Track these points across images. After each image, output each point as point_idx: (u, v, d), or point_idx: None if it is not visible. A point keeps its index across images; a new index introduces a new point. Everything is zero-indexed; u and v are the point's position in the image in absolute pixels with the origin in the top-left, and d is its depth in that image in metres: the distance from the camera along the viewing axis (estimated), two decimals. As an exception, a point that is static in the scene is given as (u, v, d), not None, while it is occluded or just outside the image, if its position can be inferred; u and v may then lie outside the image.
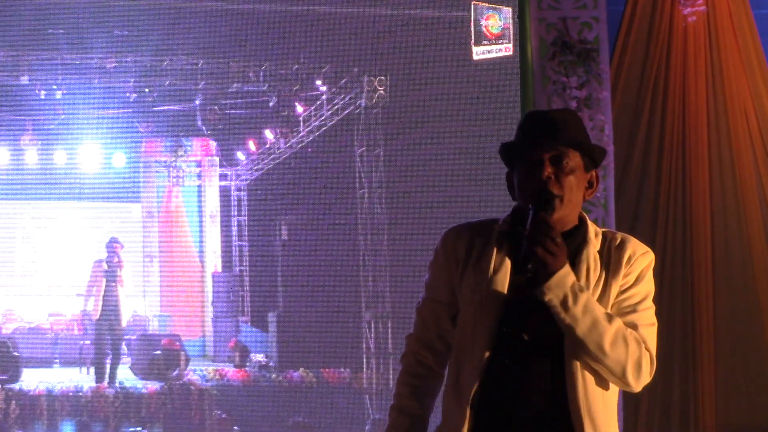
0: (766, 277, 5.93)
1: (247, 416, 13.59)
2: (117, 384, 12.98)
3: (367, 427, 13.29)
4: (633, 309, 2.76)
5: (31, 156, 16.01)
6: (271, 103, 15.63)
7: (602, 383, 2.75)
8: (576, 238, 2.81)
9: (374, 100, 14.61)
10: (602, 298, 2.75)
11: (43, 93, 14.66)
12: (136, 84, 14.80)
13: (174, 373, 13.22)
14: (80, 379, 13.36)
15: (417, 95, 14.20)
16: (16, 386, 12.76)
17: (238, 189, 19.17)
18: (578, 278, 2.73)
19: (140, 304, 17.01)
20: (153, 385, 13.09)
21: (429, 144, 14.37)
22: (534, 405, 2.73)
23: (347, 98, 15.10)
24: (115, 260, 12.68)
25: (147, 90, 14.97)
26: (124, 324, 12.93)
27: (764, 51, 5.99)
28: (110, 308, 12.63)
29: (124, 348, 14.12)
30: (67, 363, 14.83)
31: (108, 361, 13.11)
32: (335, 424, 13.72)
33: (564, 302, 2.65)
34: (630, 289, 2.78)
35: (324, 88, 15.28)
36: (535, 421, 2.73)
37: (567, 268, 2.67)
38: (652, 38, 5.89)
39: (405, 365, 2.97)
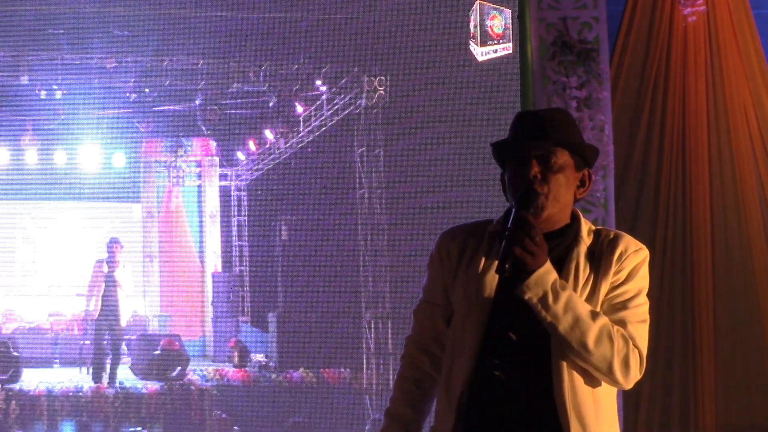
0: (766, 277, 5.93)
1: (247, 416, 13.59)
2: (117, 384, 12.99)
3: (367, 427, 13.29)
4: (624, 306, 2.76)
5: (31, 156, 16.02)
6: (271, 103, 15.63)
7: (592, 382, 2.74)
8: (567, 237, 2.81)
9: (374, 100, 14.61)
10: (591, 296, 2.75)
11: (43, 93, 14.66)
12: (136, 84, 14.81)
13: (174, 373, 13.23)
14: (80, 379, 13.36)
15: (417, 95, 14.20)
16: (16, 386, 12.76)
17: (238, 189, 19.17)
18: (566, 277, 2.74)
19: (140, 304, 17.01)
20: (153, 385, 13.09)
21: (429, 144, 14.37)
22: (522, 404, 2.74)
23: (347, 98, 15.09)
24: (114, 261, 12.70)
25: (147, 90, 14.97)
26: (123, 324, 12.93)
27: (764, 51, 5.99)
28: (109, 309, 12.65)
29: (124, 348, 14.13)
30: (67, 363, 14.84)
31: (108, 361, 13.12)
32: (335, 424, 13.72)
33: (544, 300, 2.66)
34: (621, 286, 2.77)
35: (324, 88, 15.28)
36: (524, 421, 2.74)
37: (547, 266, 2.67)
38: (652, 38, 5.89)
39: (401, 368, 3.00)
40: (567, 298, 2.67)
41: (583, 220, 2.86)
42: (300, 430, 13.05)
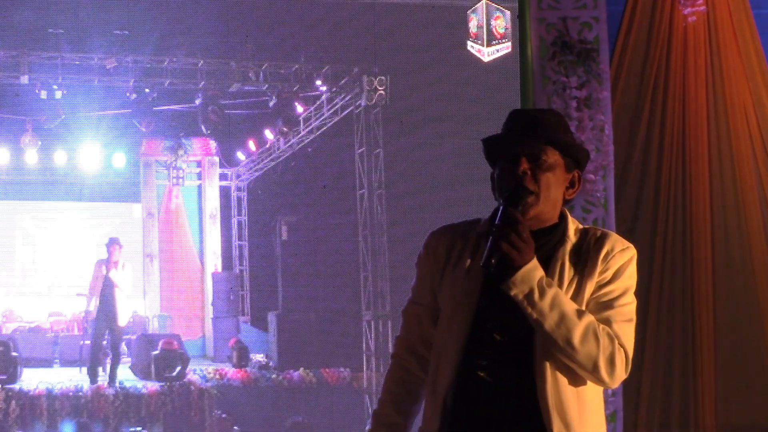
0: (766, 277, 5.93)
1: (247, 416, 13.59)
2: (117, 384, 12.99)
3: (367, 427, 13.24)
4: (609, 305, 2.75)
5: (31, 156, 16.02)
6: (271, 103, 15.63)
7: (576, 382, 2.74)
8: (554, 236, 2.81)
9: (374, 100, 14.62)
10: (576, 296, 2.74)
11: (43, 93, 14.67)
12: (136, 84, 14.81)
13: (174, 373, 13.23)
14: (80, 379, 13.35)
15: (417, 95, 14.21)
16: (16, 386, 12.77)
17: (238, 189, 19.18)
18: (551, 276, 2.73)
19: (140, 304, 17.02)
20: (153, 385, 13.09)
21: (429, 144, 14.38)
22: (507, 405, 2.74)
23: (347, 98, 15.10)
24: (110, 261, 12.72)
25: (147, 90, 14.98)
26: (121, 324, 12.93)
27: (764, 51, 5.99)
28: (106, 309, 12.65)
29: (124, 348, 14.13)
30: (67, 363, 14.83)
31: (108, 361, 13.13)
32: (335, 424, 13.72)
33: (530, 297, 2.65)
34: (607, 285, 2.76)
35: (324, 88, 15.29)
36: (509, 421, 2.74)
37: (534, 263, 2.67)
38: (652, 38, 5.89)
39: (389, 369, 3.01)
40: (553, 295, 2.66)
41: (570, 219, 2.86)
42: (300, 430, 13.05)
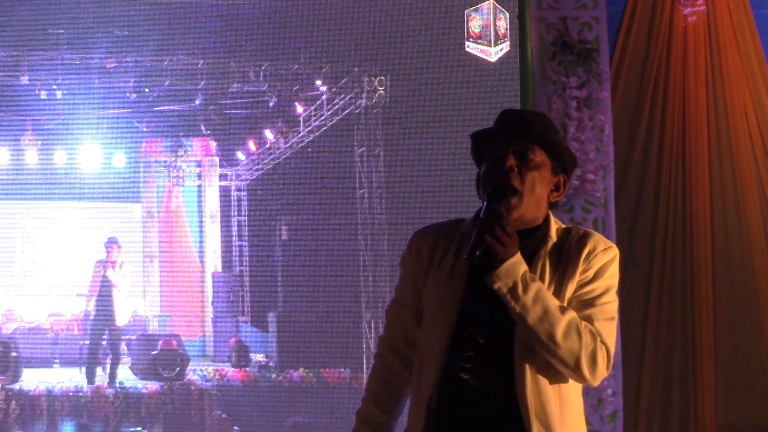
0: (766, 277, 5.94)
1: (247, 416, 13.58)
2: (117, 384, 12.99)
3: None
4: (591, 303, 2.75)
5: (31, 156, 16.01)
6: (271, 103, 15.63)
7: (558, 382, 2.74)
8: (537, 237, 2.82)
9: (374, 100, 14.62)
10: (557, 295, 2.74)
11: (43, 93, 14.66)
12: (136, 84, 14.80)
13: (174, 373, 13.23)
14: (80, 379, 13.34)
15: (417, 95, 14.20)
16: (16, 386, 12.76)
17: (238, 189, 19.17)
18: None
19: (140, 304, 17.01)
20: (153, 385, 13.09)
21: (429, 144, 14.37)
22: (490, 407, 2.74)
23: (347, 98, 15.10)
24: (108, 261, 12.73)
25: (147, 90, 14.97)
26: (119, 324, 12.93)
27: (764, 51, 5.99)
28: (105, 309, 12.66)
29: (123, 348, 14.13)
30: (67, 363, 14.82)
31: (108, 361, 13.12)
32: (335, 424, 13.71)
33: (513, 291, 2.65)
34: (589, 283, 2.77)
35: (324, 88, 15.28)
36: (491, 421, 2.74)
37: (518, 257, 2.67)
38: (652, 38, 5.89)
39: (372, 368, 3.02)
40: (536, 289, 2.67)
41: (553, 219, 2.87)
42: (300, 430, 13.05)
